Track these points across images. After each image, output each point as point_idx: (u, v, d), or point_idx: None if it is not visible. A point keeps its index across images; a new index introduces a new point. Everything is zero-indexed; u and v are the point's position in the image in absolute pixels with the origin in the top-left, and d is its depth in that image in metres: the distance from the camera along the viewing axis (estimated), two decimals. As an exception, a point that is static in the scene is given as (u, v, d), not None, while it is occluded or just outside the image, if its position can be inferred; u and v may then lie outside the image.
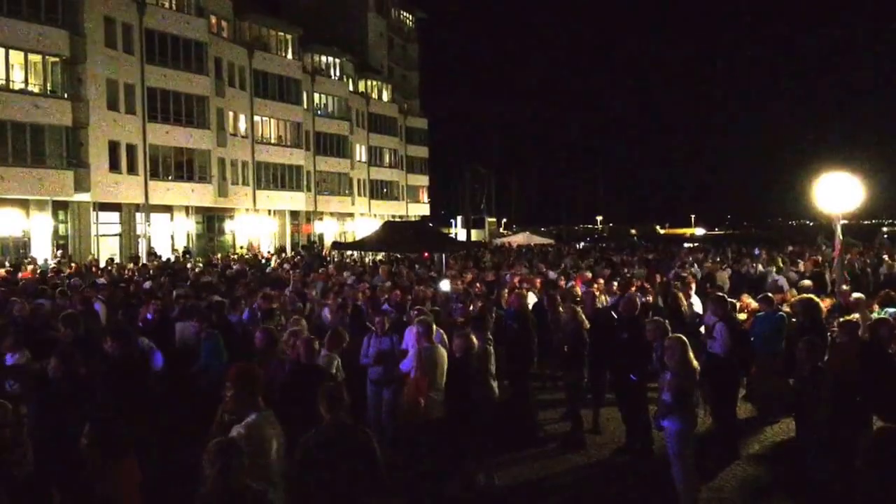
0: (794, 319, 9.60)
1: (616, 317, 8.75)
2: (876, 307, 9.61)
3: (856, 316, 8.37)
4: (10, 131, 25.24)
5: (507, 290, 11.57)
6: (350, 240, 39.20)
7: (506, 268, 18.14)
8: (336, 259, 24.75)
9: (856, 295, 9.67)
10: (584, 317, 8.57)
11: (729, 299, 9.19)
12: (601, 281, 12.95)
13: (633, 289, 11.21)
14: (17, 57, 25.79)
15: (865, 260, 18.87)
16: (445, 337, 7.45)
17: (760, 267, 17.29)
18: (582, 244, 49.50)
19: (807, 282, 13.18)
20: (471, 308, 10.00)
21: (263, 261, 25.89)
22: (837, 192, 11.53)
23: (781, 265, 17.47)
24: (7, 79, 25.44)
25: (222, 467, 3.55)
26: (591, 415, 8.67)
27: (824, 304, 9.58)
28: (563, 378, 8.66)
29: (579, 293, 11.42)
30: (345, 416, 4.57)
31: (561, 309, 9.34)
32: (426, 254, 22.06)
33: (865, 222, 68.20)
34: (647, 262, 20.76)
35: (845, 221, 12.01)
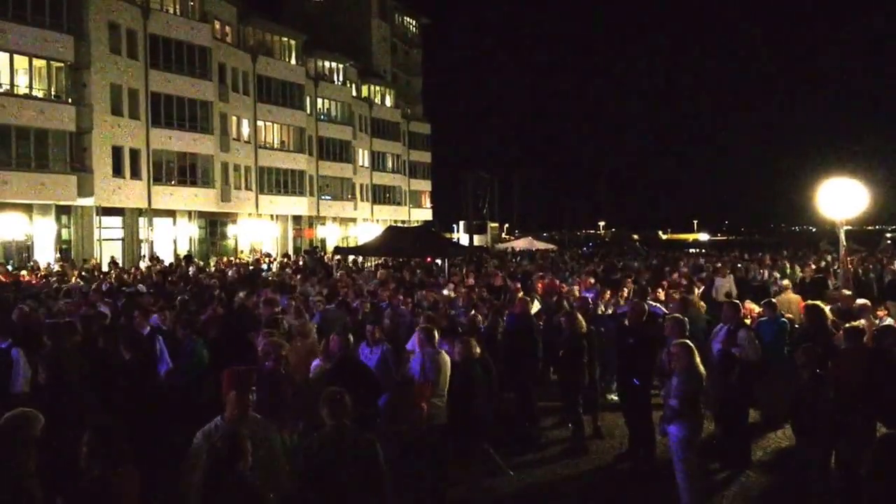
0: (796, 325, 9.58)
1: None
2: (881, 313, 9.59)
3: (862, 322, 8.34)
4: (15, 136, 25.32)
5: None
6: (352, 245, 39.20)
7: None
8: (343, 265, 24.68)
9: (861, 301, 9.62)
10: (583, 322, 8.53)
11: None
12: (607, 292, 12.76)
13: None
14: (21, 62, 25.89)
15: (869, 266, 18.81)
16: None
17: (766, 273, 17.27)
18: (584, 249, 49.43)
19: (786, 281, 13.27)
20: (472, 313, 9.97)
21: (264, 266, 25.89)
22: (841, 198, 11.51)
23: (789, 270, 17.45)
24: (11, 84, 25.55)
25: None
26: (590, 420, 8.64)
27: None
28: (561, 384, 8.63)
29: (576, 296, 11.38)
30: (347, 422, 4.56)
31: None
32: (428, 259, 22.06)
33: (869, 228, 68.00)
34: (649, 268, 20.72)
35: (849, 227, 11.98)
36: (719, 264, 19.30)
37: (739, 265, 19.72)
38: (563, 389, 8.56)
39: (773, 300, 10.14)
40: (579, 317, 8.53)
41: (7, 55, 25.20)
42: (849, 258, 13.53)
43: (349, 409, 4.57)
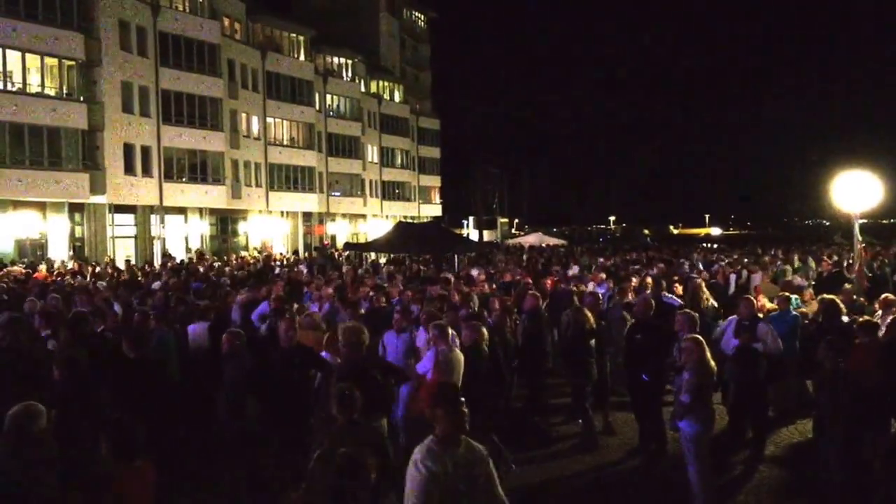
0: (806, 321, 9.51)
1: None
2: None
3: (889, 317, 8.26)
4: (28, 134, 25.54)
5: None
6: (362, 241, 39.27)
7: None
8: (355, 260, 24.70)
9: (887, 296, 9.51)
10: (590, 317, 8.47)
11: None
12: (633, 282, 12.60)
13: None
14: (33, 61, 26.08)
15: (884, 260, 18.61)
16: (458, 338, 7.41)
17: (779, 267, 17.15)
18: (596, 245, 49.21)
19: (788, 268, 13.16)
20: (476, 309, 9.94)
21: (275, 262, 25.98)
22: (855, 191, 11.40)
23: (798, 264, 17.34)
24: (24, 82, 25.75)
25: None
26: (601, 416, 8.62)
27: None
28: (569, 379, 8.57)
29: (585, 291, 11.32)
30: (357, 416, 4.57)
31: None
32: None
33: (884, 221, 67.26)
34: (661, 262, 20.58)
35: (864, 220, 11.86)
36: (741, 259, 19.11)
37: (746, 259, 19.56)
38: (571, 385, 8.51)
39: (787, 294, 10.07)
40: (586, 312, 8.47)
41: (19, 54, 25.39)
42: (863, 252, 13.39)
43: (359, 404, 4.58)
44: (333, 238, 45.58)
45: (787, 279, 13.56)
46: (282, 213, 41.30)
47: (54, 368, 5.95)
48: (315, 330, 8.14)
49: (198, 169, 33.55)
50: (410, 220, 47.62)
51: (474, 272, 15.61)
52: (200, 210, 34.83)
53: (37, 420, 4.10)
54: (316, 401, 6.27)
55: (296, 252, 36.62)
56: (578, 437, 8.26)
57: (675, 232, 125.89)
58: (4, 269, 19.23)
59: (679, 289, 11.84)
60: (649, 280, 12.24)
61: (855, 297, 10.46)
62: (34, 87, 26.21)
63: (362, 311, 9.74)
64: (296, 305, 10.25)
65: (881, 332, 7.48)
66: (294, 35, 42.16)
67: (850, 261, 14.57)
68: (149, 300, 11.12)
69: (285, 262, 25.47)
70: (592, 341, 8.35)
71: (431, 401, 3.64)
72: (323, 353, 7.01)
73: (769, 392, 7.94)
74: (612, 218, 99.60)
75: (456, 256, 21.03)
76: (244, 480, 6.28)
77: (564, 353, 8.63)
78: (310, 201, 43.05)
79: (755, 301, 9.00)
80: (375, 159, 52.65)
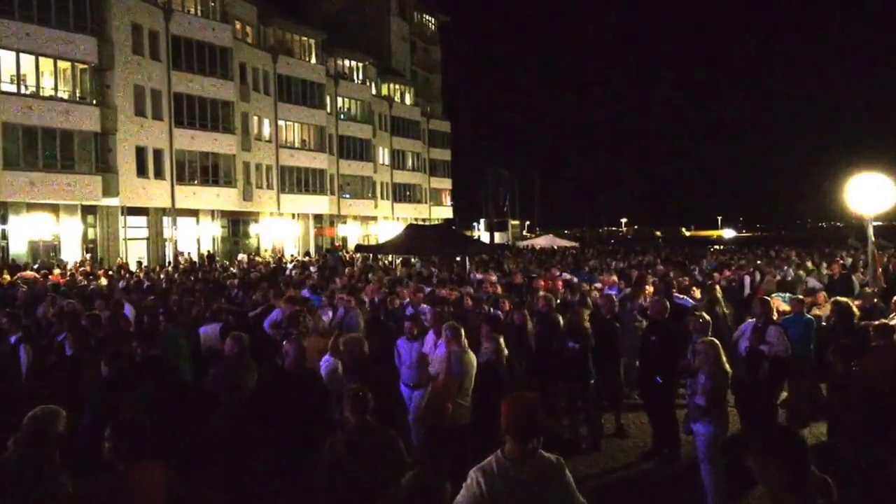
0: (823, 323, 9.42)
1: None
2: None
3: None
4: (41, 137, 25.77)
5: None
6: (373, 243, 39.32)
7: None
8: (366, 262, 24.71)
9: None
10: (584, 319, 8.39)
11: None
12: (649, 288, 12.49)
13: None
14: (46, 64, 26.32)
15: (898, 262, 18.40)
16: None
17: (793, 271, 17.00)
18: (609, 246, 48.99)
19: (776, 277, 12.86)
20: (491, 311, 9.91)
21: (285, 264, 26.05)
22: (869, 193, 11.29)
23: (812, 267, 17.19)
24: (37, 85, 25.99)
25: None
26: (613, 418, 8.56)
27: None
28: (563, 382, 8.47)
29: (595, 295, 11.25)
30: (370, 418, 4.55)
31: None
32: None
33: (898, 223, 66.48)
34: (674, 264, 20.45)
35: (878, 223, 11.75)
36: (755, 261, 18.87)
37: (759, 262, 19.42)
38: (568, 386, 8.44)
39: (801, 297, 9.99)
40: (581, 313, 8.41)
41: (33, 57, 25.62)
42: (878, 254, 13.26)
43: (371, 405, 4.57)
44: (345, 240, 45.70)
45: (799, 282, 13.43)
46: (293, 215, 41.45)
47: (103, 365, 5.96)
48: (325, 336, 8.05)
49: (209, 171, 33.75)
50: (421, 223, 47.67)
51: (482, 275, 15.61)
52: (212, 212, 35.01)
53: (57, 423, 4.11)
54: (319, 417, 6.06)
55: (307, 254, 36.74)
56: (586, 440, 8.21)
57: (688, 234, 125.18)
58: (18, 273, 19.40)
59: (697, 292, 11.74)
60: (650, 288, 12.11)
61: (876, 300, 10.35)
62: (47, 91, 26.44)
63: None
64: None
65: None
66: (305, 38, 42.35)
67: (862, 264, 14.45)
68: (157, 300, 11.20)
69: (295, 264, 25.54)
70: (590, 342, 8.28)
71: (504, 426, 3.60)
72: (326, 357, 6.93)
73: (776, 393, 7.87)
74: (623, 220, 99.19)
75: (466, 259, 21.00)
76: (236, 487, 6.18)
77: (558, 355, 8.54)
78: (321, 203, 43.18)
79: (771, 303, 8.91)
80: (386, 161, 52.75)
